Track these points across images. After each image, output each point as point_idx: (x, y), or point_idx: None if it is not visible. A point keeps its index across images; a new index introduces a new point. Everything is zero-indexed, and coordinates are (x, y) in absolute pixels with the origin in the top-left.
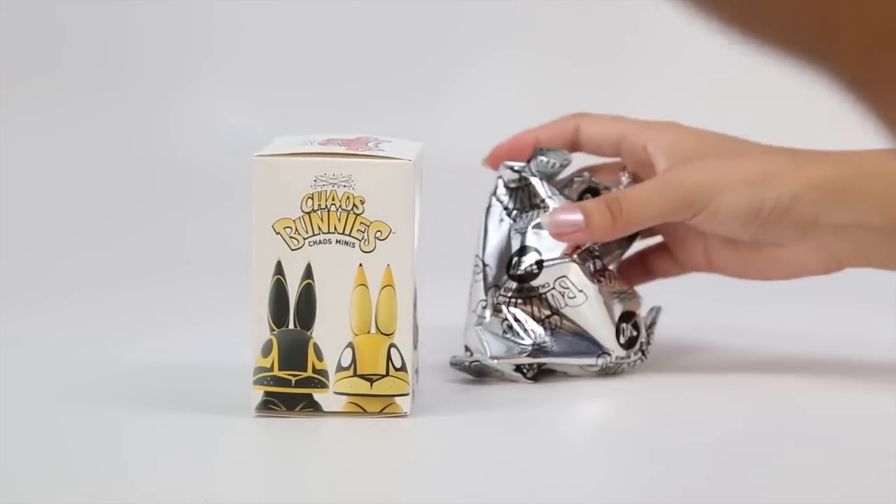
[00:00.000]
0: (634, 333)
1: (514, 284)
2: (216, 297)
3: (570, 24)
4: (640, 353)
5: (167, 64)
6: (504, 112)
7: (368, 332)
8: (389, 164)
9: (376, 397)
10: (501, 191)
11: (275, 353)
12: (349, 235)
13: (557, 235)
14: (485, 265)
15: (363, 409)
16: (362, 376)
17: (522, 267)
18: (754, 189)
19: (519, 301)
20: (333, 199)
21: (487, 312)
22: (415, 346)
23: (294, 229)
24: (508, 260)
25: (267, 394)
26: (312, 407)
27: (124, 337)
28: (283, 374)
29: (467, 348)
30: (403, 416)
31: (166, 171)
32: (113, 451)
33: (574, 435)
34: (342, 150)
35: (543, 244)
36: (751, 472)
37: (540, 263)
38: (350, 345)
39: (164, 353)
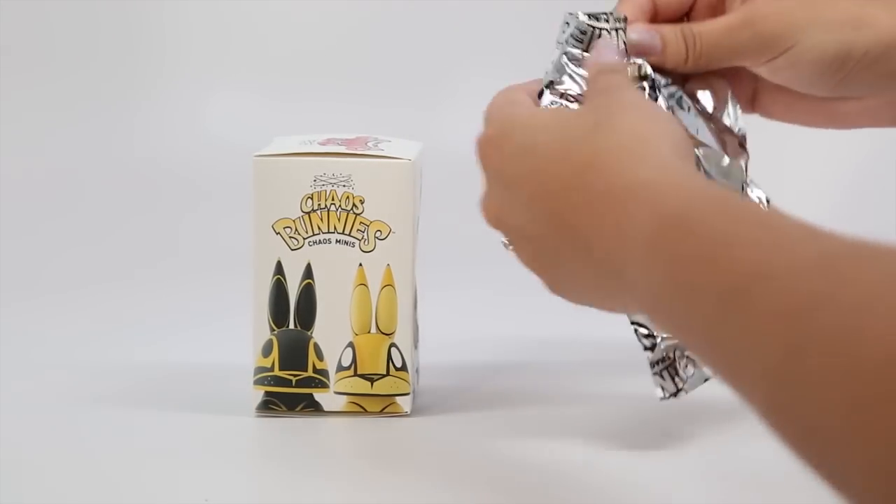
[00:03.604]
0: None
1: None
2: (216, 297)
3: None
4: None
5: (167, 63)
6: None
7: (369, 332)
8: (389, 164)
9: (377, 397)
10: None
11: (275, 353)
12: (349, 235)
13: (632, 48)
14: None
15: (364, 408)
16: (363, 376)
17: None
18: (844, 32)
19: None
20: (333, 199)
21: None
22: (415, 346)
23: (294, 229)
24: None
25: (267, 394)
26: (313, 407)
27: (124, 337)
28: (283, 373)
29: None
30: (404, 415)
31: (166, 171)
32: (113, 451)
33: (574, 435)
34: (342, 149)
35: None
36: None
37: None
38: (350, 344)
39: (164, 352)
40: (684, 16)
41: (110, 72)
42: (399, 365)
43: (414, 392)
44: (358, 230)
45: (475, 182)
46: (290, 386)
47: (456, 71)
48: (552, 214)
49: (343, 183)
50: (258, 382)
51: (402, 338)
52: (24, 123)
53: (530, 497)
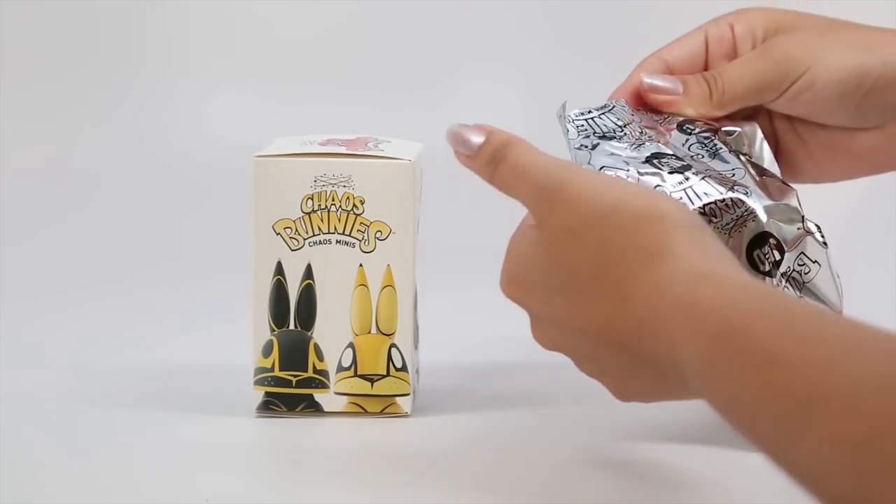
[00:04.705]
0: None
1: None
2: (216, 298)
3: (570, 26)
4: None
5: (169, 63)
6: (504, 112)
7: (369, 333)
8: (389, 164)
9: (377, 397)
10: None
11: (275, 354)
12: (349, 236)
13: (651, 91)
14: None
15: (364, 409)
16: (363, 376)
17: (767, 264)
18: (857, 54)
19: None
20: (333, 200)
21: None
22: (415, 346)
23: (294, 230)
24: (749, 255)
25: (268, 394)
26: (313, 407)
27: (124, 337)
28: (283, 374)
29: None
30: (404, 416)
31: (168, 171)
32: (113, 451)
33: (575, 434)
34: (342, 150)
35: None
36: None
37: (781, 249)
38: (351, 345)
39: (164, 353)
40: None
41: (112, 72)
42: (399, 365)
43: (414, 392)
44: (358, 231)
45: (475, 182)
46: (291, 386)
47: (456, 72)
48: (609, 342)
49: (343, 183)
50: (258, 383)
51: (402, 338)
52: (26, 122)
53: (531, 497)
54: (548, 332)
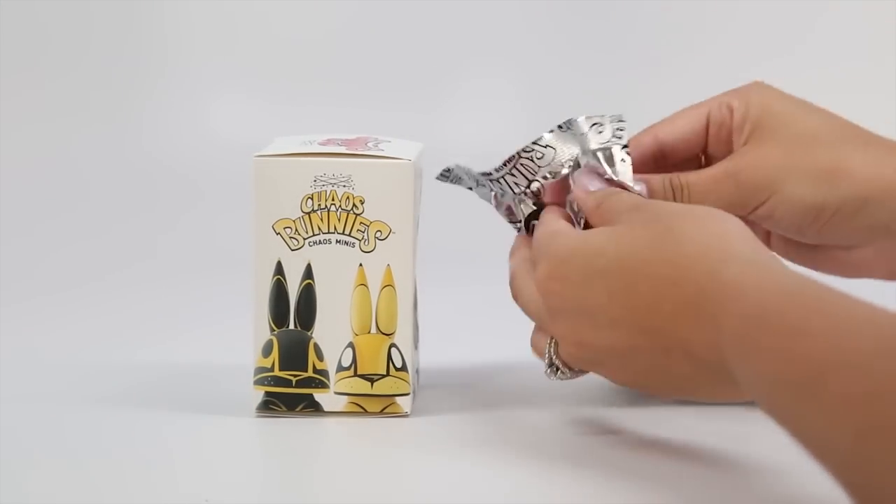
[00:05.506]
0: None
1: None
2: (216, 297)
3: (570, 26)
4: None
5: (170, 63)
6: (503, 113)
7: (369, 332)
8: (389, 164)
9: (377, 397)
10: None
11: (275, 354)
12: (349, 235)
13: None
14: None
15: (364, 409)
16: (363, 376)
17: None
18: (819, 186)
19: None
20: (333, 199)
21: None
22: (415, 346)
23: (294, 229)
24: None
25: (267, 394)
26: (313, 407)
27: (124, 336)
28: (283, 374)
29: None
30: (404, 416)
31: (168, 171)
32: (113, 451)
33: (575, 434)
34: (342, 150)
35: None
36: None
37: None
38: (350, 345)
39: (164, 352)
40: (697, 156)
41: (112, 72)
42: (399, 365)
43: (414, 392)
44: (358, 230)
45: None
46: (291, 386)
47: (456, 72)
48: (644, 330)
49: (343, 183)
50: (258, 383)
51: (402, 338)
52: (25, 122)
53: (531, 497)
54: (576, 329)
